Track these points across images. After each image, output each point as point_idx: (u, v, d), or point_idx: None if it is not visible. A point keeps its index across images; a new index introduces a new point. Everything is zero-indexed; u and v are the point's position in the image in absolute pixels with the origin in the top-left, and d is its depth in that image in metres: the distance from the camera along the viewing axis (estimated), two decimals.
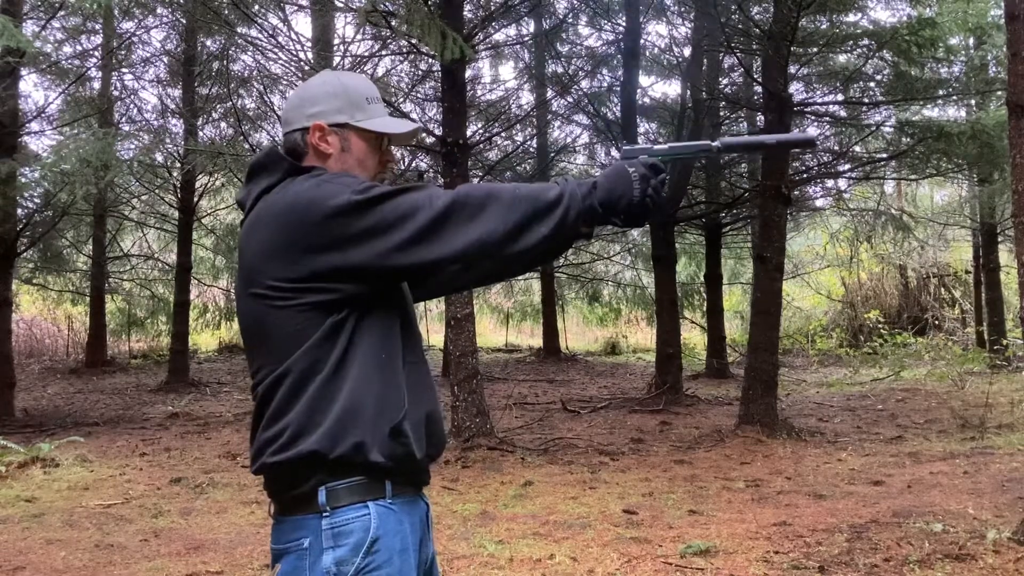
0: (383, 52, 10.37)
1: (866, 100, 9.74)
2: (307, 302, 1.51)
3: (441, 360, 13.46)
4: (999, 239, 13.98)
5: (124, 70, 12.44)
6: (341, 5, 9.20)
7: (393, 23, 7.92)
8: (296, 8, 9.95)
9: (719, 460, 6.72)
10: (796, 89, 10.06)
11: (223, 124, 12.82)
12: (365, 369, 1.52)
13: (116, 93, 12.68)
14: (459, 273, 1.54)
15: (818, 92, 10.37)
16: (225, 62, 11.42)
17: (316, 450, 1.48)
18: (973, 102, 11.45)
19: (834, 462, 6.53)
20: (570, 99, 11.77)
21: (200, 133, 12.37)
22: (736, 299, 18.69)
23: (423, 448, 1.58)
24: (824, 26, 9.04)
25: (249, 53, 10.71)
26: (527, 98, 13.46)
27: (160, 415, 9.75)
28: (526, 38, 12.54)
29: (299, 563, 1.50)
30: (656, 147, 1.62)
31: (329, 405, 1.50)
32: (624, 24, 10.42)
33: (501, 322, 19.86)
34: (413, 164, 11.92)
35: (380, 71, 10.92)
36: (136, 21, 11.31)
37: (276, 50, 8.97)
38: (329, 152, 1.65)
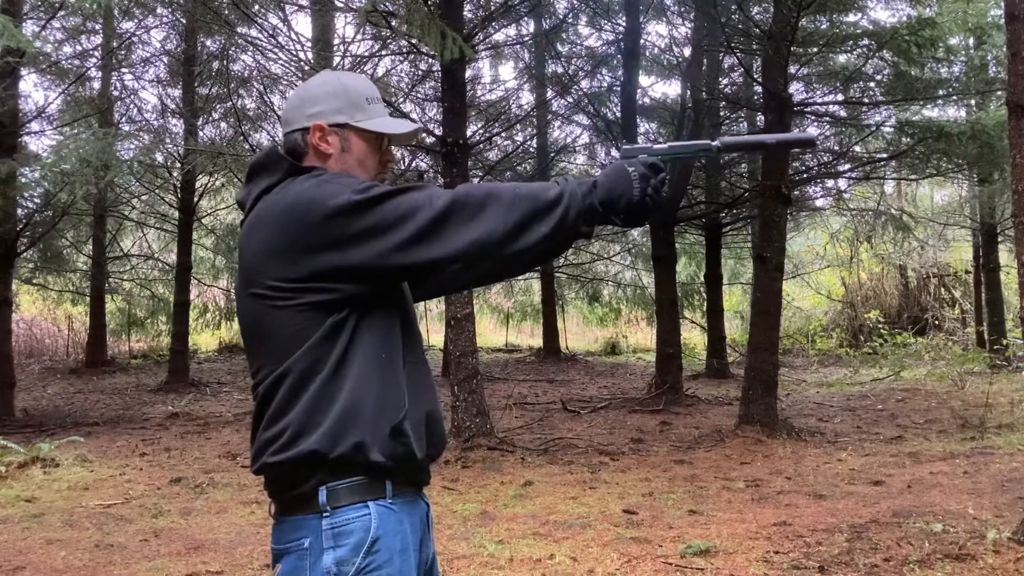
0: (383, 52, 10.37)
1: (866, 100, 9.74)
2: (307, 302, 1.51)
3: (441, 360, 13.46)
4: (999, 239, 13.98)
5: (124, 70, 12.44)
6: (341, 5, 9.21)
7: (393, 23, 7.92)
8: (296, 8, 9.95)
9: (719, 460, 6.72)
10: (796, 89, 10.07)
11: (223, 124, 12.82)
12: (365, 369, 1.52)
13: (116, 93, 12.68)
14: (459, 273, 1.54)
15: (818, 92, 10.37)
16: (225, 62, 11.42)
17: (316, 450, 1.48)
18: (973, 102, 11.45)
19: (834, 462, 6.53)
20: (570, 99, 11.77)
21: (200, 133, 12.37)
22: (736, 299, 18.69)
23: (423, 448, 1.58)
24: (824, 26, 9.04)
25: (249, 53, 10.72)
26: (527, 98, 13.48)
27: (160, 415, 9.75)
28: (526, 38, 12.54)
29: (299, 563, 1.50)
30: (656, 147, 1.62)
31: (329, 405, 1.50)
32: (624, 24, 10.42)
33: (501, 322, 19.86)
34: (413, 164, 11.92)
35: (380, 71, 10.92)
36: (136, 21, 11.31)
37: (276, 50, 8.97)
38: (329, 152, 1.65)
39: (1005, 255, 14.55)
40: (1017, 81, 4.39)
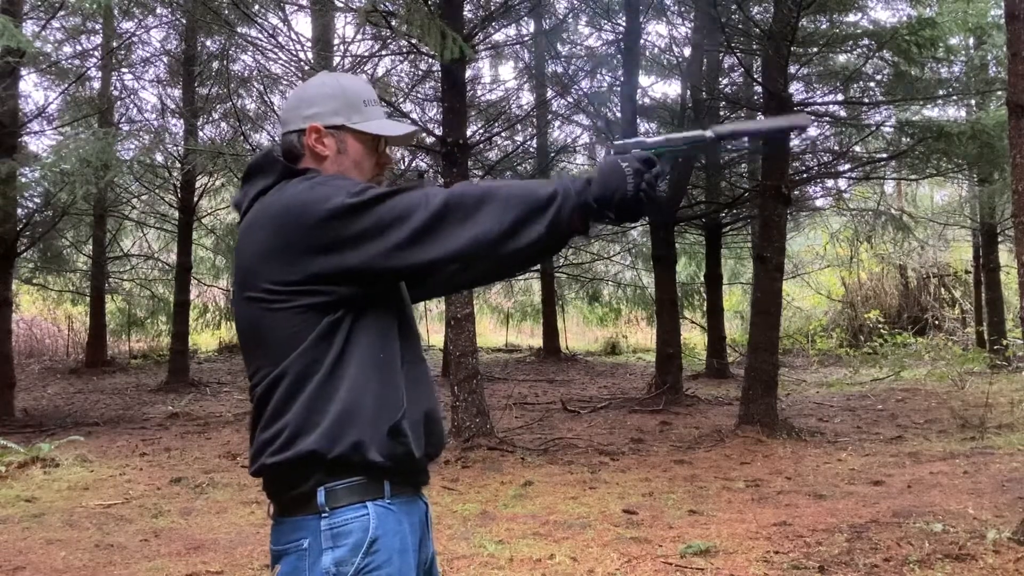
0: (383, 52, 10.37)
1: (866, 100, 9.74)
2: (303, 304, 1.51)
3: (441, 360, 13.45)
4: (999, 239, 13.98)
5: (124, 70, 12.44)
6: (341, 5, 9.21)
7: (393, 23, 7.92)
8: (296, 8, 9.95)
9: (719, 460, 6.72)
10: (796, 89, 10.06)
11: (223, 124, 12.82)
12: (363, 369, 1.52)
13: (116, 93, 12.68)
14: (456, 273, 1.54)
15: (818, 92, 10.36)
16: (225, 62, 11.41)
17: (315, 450, 1.48)
18: (973, 102, 11.45)
19: (834, 462, 6.53)
20: (570, 99, 11.76)
21: (200, 133, 12.37)
22: (736, 299, 18.69)
23: (422, 447, 1.58)
24: (824, 26, 9.04)
25: (249, 53, 10.72)
26: (527, 98, 13.47)
27: (160, 415, 9.75)
28: (526, 38, 12.53)
29: (299, 564, 1.50)
30: (648, 140, 1.60)
31: (327, 405, 1.50)
32: (624, 24, 10.41)
33: (501, 322, 19.86)
34: (413, 164, 11.92)
35: (380, 71, 10.92)
36: (136, 21, 11.31)
37: (276, 50, 8.97)
38: (325, 154, 1.65)
39: (1005, 255, 14.55)
40: (1017, 81, 4.39)
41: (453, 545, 4.47)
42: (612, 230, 14.48)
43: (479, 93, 12.38)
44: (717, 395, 10.79)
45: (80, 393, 11.88)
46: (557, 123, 13.81)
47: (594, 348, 18.26)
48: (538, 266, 14.70)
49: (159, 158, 12.27)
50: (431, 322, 19.23)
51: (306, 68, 8.69)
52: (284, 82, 10.53)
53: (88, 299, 14.97)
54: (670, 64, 11.94)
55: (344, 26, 11.39)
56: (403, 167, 11.52)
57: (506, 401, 10.21)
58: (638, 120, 10.99)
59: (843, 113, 10.20)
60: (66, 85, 11.36)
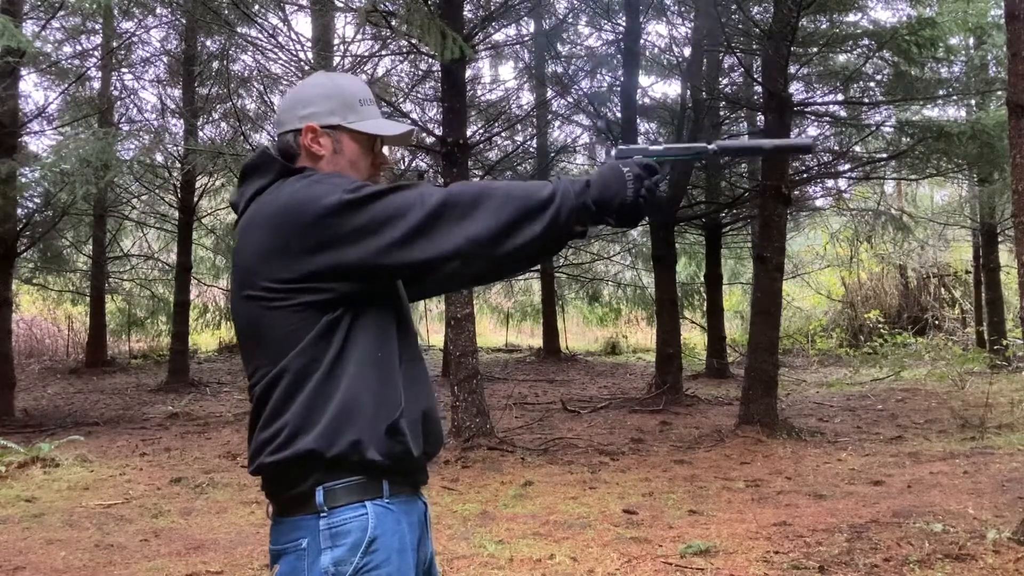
0: (383, 52, 10.37)
1: (866, 100, 9.74)
2: (301, 302, 1.51)
3: (441, 360, 13.45)
4: (999, 239, 13.98)
5: (124, 70, 12.44)
6: (341, 5, 9.20)
7: (393, 23, 7.91)
8: (296, 8, 9.95)
9: (719, 460, 6.72)
10: (796, 89, 10.07)
11: (223, 124, 12.81)
12: (361, 368, 1.52)
13: (116, 93, 12.68)
14: (453, 272, 1.54)
15: (818, 92, 10.37)
16: (225, 62, 11.41)
17: (313, 449, 1.48)
18: (973, 102, 11.44)
19: (834, 462, 6.53)
20: (570, 99, 11.76)
21: (200, 133, 12.37)
22: (736, 299, 18.69)
23: (420, 446, 1.58)
24: (824, 26, 9.04)
25: (249, 53, 10.72)
26: (527, 98, 13.46)
27: (160, 415, 9.75)
28: (526, 38, 12.53)
29: (298, 563, 1.49)
30: (651, 148, 1.61)
31: (326, 404, 1.50)
32: (624, 24, 10.41)
33: (501, 322, 19.86)
34: (413, 164, 11.92)
35: (380, 71, 10.92)
36: (136, 21, 11.30)
37: (276, 50, 8.97)
38: (321, 154, 1.65)
39: (1005, 255, 14.55)
40: (1017, 81, 4.39)
41: (453, 545, 4.47)
42: (612, 230, 14.48)
43: (479, 93, 12.39)
44: (717, 395, 10.79)
45: (80, 393, 11.88)
46: (557, 123, 13.81)
47: (594, 348, 18.26)
48: (538, 266, 14.70)
49: (159, 158, 12.27)
50: (431, 322, 19.23)
51: (306, 68, 8.69)
52: (284, 82, 10.53)
53: (88, 299, 14.97)
54: (670, 64, 11.94)
55: (344, 26, 11.39)
56: (403, 167, 11.52)
57: (506, 401, 10.21)
58: (638, 120, 11.00)
59: (843, 113, 10.20)
60: (66, 85, 11.36)
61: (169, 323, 14.25)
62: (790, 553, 4.16)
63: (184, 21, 11.22)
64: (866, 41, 8.64)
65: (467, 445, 7.00)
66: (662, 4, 10.85)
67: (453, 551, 4.35)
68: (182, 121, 12.21)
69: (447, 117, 7.57)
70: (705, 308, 14.34)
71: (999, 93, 9.42)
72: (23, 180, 9.34)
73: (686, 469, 6.41)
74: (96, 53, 11.70)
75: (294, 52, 8.97)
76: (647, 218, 9.44)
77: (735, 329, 17.32)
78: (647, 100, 12.21)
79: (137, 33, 11.63)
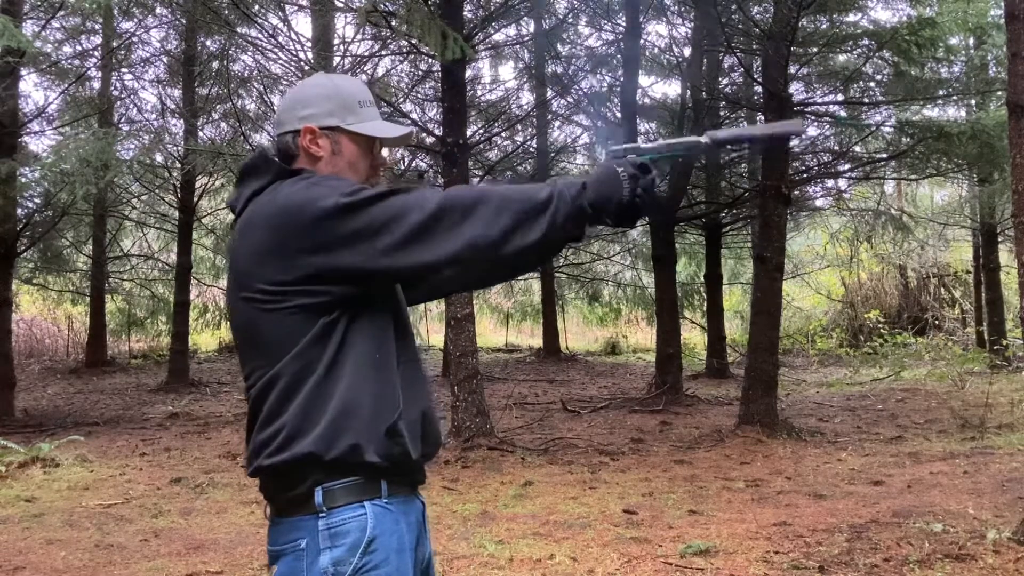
0: (383, 52, 10.37)
1: (866, 100, 9.74)
2: (298, 304, 1.50)
3: (441, 360, 13.45)
4: (999, 239, 13.97)
5: (124, 70, 12.44)
6: (341, 5, 9.21)
7: (393, 23, 7.92)
8: (296, 8, 9.95)
9: (719, 460, 6.72)
10: (796, 89, 10.06)
11: (223, 124, 12.81)
12: (359, 369, 1.52)
13: (116, 93, 12.68)
14: (451, 275, 1.53)
15: (818, 92, 10.36)
16: (225, 62, 11.41)
17: (312, 451, 1.48)
18: (973, 102, 11.44)
19: (834, 462, 6.53)
20: (570, 99, 11.76)
21: (200, 133, 12.37)
22: (736, 299, 18.69)
23: (418, 447, 1.58)
24: (824, 26, 9.03)
25: (249, 53, 10.71)
26: (527, 98, 13.46)
27: (160, 415, 9.75)
28: (526, 38, 12.53)
29: (296, 564, 1.49)
30: (644, 145, 1.60)
31: (324, 406, 1.50)
32: (624, 24, 10.41)
33: (501, 322, 19.86)
34: (413, 164, 11.92)
35: (380, 71, 10.92)
36: (136, 21, 11.30)
37: (276, 50, 8.97)
38: (320, 155, 1.65)
39: (1005, 255, 14.54)
40: (1017, 81, 4.39)
41: (453, 545, 4.47)
42: (612, 230, 14.47)
43: (479, 93, 12.39)
44: (717, 395, 10.79)
45: (80, 393, 11.88)
46: (557, 123, 13.82)
47: (594, 348, 18.26)
48: (538, 267, 14.69)
49: (159, 158, 12.27)
50: (431, 322, 19.23)
51: (306, 68, 8.69)
52: (284, 82, 10.52)
53: (88, 299, 14.97)
54: (670, 64, 11.94)
55: (344, 26, 11.39)
56: (403, 167, 11.52)
57: (506, 401, 10.21)
58: (638, 120, 11.00)
59: (843, 113, 10.19)
60: (66, 85, 11.36)
61: (169, 323, 14.25)
62: (790, 553, 4.16)
63: (184, 21, 11.22)
64: (866, 41, 8.64)
65: (467, 445, 7.00)
66: (662, 4, 10.84)
67: (453, 551, 4.35)
68: (182, 121, 12.21)
69: (447, 117, 7.57)
70: (705, 308, 14.34)
71: (999, 93, 9.42)
72: (23, 180, 9.35)
73: (686, 469, 6.41)
74: (96, 53, 11.70)
75: (294, 52, 8.98)
76: (646, 218, 9.43)
77: (735, 329, 17.32)
78: (647, 100, 12.21)
79: (137, 33, 11.63)
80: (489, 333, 19.31)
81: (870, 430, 8.05)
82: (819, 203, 14.15)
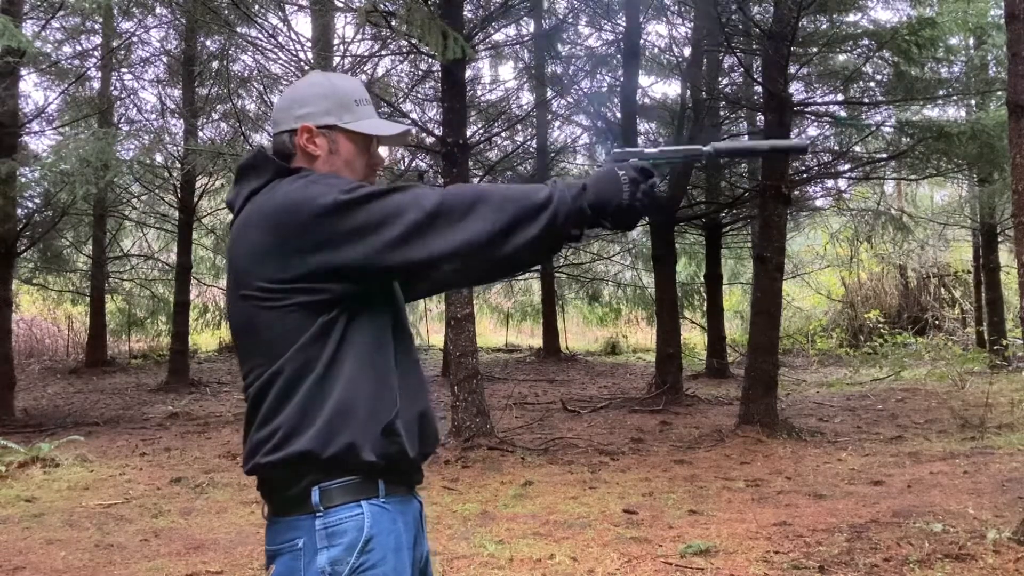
0: (383, 52, 10.36)
1: (866, 100, 9.74)
2: (297, 302, 1.50)
3: (441, 360, 13.45)
4: (999, 239, 13.97)
5: (124, 70, 12.44)
6: (341, 5, 9.20)
7: (393, 23, 7.91)
8: (296, 8, 9.95)
9: (719, 460, 6.72)
10: (796, 89, 10.05)
11: (223, 124, 12.82)
12: (357, 368, 1.52)
13: (116, 93, 12.69)
14: (449, 274, 1.54)
15: (818, 92, 10.36)
16: (225, 62, 11.41)
17: (309, 450, 1.48)
18: (973, 102, 11.44)
19: (834, 462, 6.53)
20: (570, 99, 11.76)
21: (200, 133, 12.37)
22: (736, 299, 18.69)
23: (416, 447, 1.58)
24: (824, 26, 9.03)
25: (249, 53, 10.71)
26: (527, 98, 13.46)
27: (160, 415, 9.75)
28: (526, 38, 12.53)
29: (294, 564, 1.49)
30: (647, 150, 1.61)
31: (321, 405, 1.50)
32: (624, 24, 10.41)
33: (501, 322, 19.86)
34: (413, 164, 11.92)
35: (380, 71, 10.92)
36: (136, 21, 11.30)
37: (276, 50, 8.97)
38: (317, 154, 1.65)
39: (1005, 255, 14.54)
40: (1017, 81, 4.39)
41: (453, 545, 4.47)
42: (611, 231, 14.46)
43: (479, 93, 12.38)
44: (717, 395, 10.79)
45: (80, 393, 11.88)
46: (557, 123, 13.82)
47: (594, 348, 18.26)
48: (537, 266, 14.70)
49: (159, 158, 12.27)
50: (431, 322, 19.24)
51: (306, 68, 8.69)
52: (284, 82, 10.52)
53: (88, 299, 14.98)
54: (670, 64, 11.94)
55: (344, 26, 11.39)
56: (403, 167, 11.52)
57: (506, 401, 10.21)
58: (638, 120, 11.00)
59: (843, 113, 10.19)
60: (66, 85, 11.36)
61: (169, 323, 14.26)
62: (790, 553, 4.16)
63: (184, 21, 11.22)
64: (866, 41, 8.64)
65: (467, 445, 7.00)
66: (662, 4, 10.84)
67: (453, 551, 4.35)
68: (182, 121, 12.22)
69: (447, 117, 7.57)
70: (705, 308, 14.35)
71: (999, 93, 9.41)
72: (23, 180, 9.35)
73: (686, 469, 6.41)
74: (96, 53, 11.70)
75: (294, 52, 8.98)
76: (646, 219, 9.45)
77: (735, 329, 17.32)
78: (647, 100, 12.21)
79: (137, 33, 11.64)
80: (489, 333, 19.31)
81: (870, 430, 8.05)
82: (819, 203, 14.16)
